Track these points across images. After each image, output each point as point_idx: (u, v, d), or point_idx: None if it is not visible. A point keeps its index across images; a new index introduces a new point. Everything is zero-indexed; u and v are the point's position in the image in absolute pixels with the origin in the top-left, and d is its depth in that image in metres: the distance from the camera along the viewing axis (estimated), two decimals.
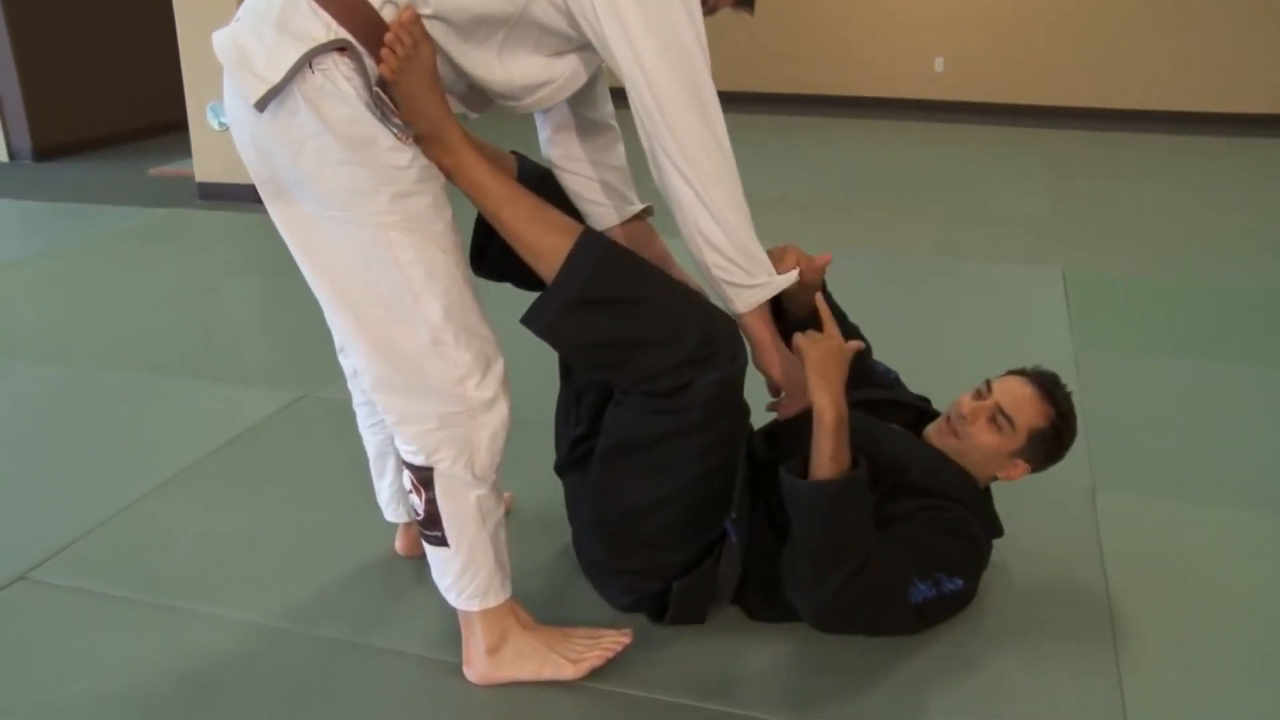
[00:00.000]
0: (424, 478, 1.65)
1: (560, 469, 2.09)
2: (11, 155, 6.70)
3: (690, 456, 1.67)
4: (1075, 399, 1.95)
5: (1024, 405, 1.88)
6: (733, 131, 1.56)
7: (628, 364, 1.63)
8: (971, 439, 1.88)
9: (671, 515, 1.75)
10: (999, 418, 1.87)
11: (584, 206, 1.87)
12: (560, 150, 1.85)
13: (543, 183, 1.85)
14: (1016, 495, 2.02)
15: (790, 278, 1.71)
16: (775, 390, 1.81)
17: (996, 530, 1.95)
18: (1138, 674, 1.83)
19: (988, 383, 1.94)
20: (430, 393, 1.60)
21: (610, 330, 1.63)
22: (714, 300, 1.70)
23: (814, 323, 1.82)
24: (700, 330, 1.60)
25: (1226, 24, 8.32)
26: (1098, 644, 1.91)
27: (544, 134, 1.86)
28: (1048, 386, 1.91)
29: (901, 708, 1.73)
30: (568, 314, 1.62)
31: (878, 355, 2.20)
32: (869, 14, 9.08)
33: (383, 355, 1.60)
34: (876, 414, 2.01)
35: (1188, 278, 4.32)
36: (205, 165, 5.51)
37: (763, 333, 1.71)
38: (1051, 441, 1.91)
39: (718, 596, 1.86)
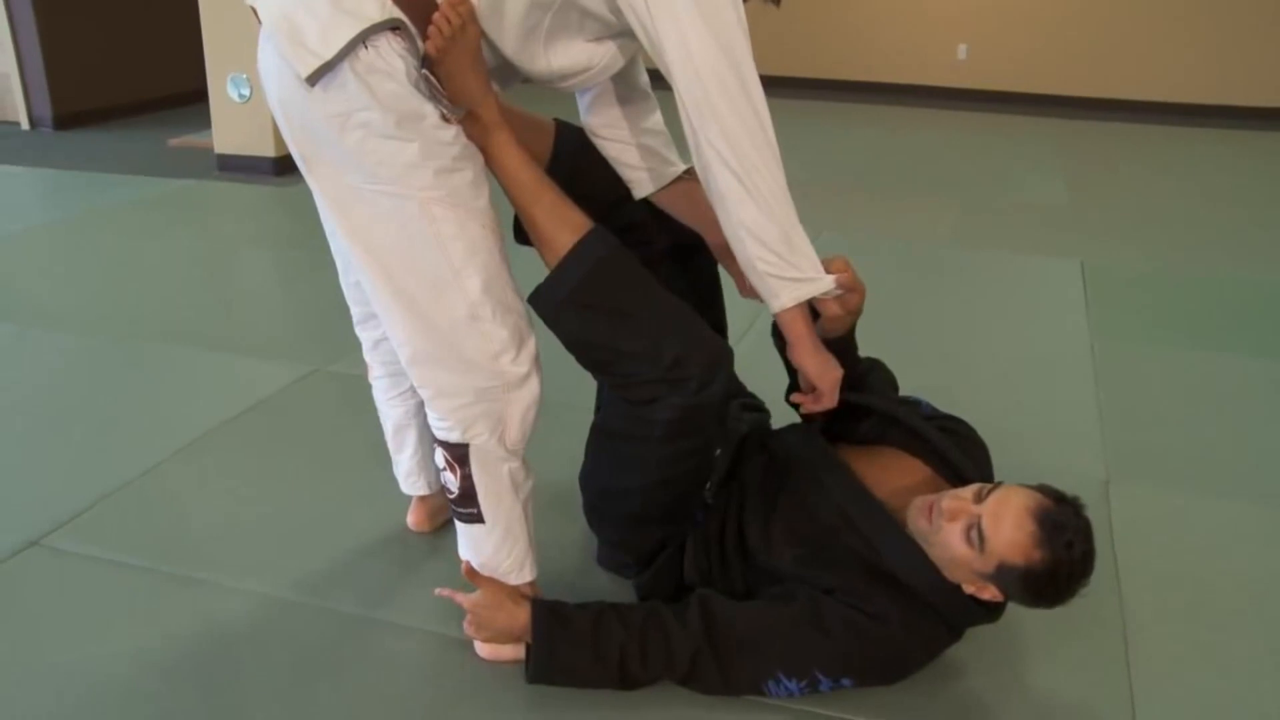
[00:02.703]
0: (459, 454, 1.66)
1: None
2: (32, 124, 6.71)
3: (652, 463, 1.70)
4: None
5: (1005, 532, 1.55)
6: None
7: (609, 366, 1.66)
8: (941, 536, 1.60)
9: (634, 506, 1.80)
10: (973, 531, 1.57)
11: (625, 173, 1.86)
12: (598, 118, 1.84)
13: (583, 149, 1.86)
14: None
15: (832, 280, 1.63)
16: (809, 387, 1.77)
17: (957, 624, 1.71)
18: (1147, 668, 1.83)
19: (994, 486, 1.63)
20: (467, 367, 1.61)
21: (593, 333, 1.65)
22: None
23: (847, 346, 1.82)
24: (677, 353, 1.58)
25: (1251, 17, 8.22)
26: (1108, 638, 1.91)
27: (582, 102, 1.85)
28: (1048, 527, 1.53)
29: (907, 701, 1.72)
30: (559, 310, 1.65)
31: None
32: (893, 1, 9.02)
33: (421, 329, 1.61)
34: (884, 436, 1.87)
35: (1208, 270, 4.29)
36: (224, 137, 5.52)
37: (800, 329, 1.67)
38: (1033, 587, 1.56)
39: (686, 583, 1.87)
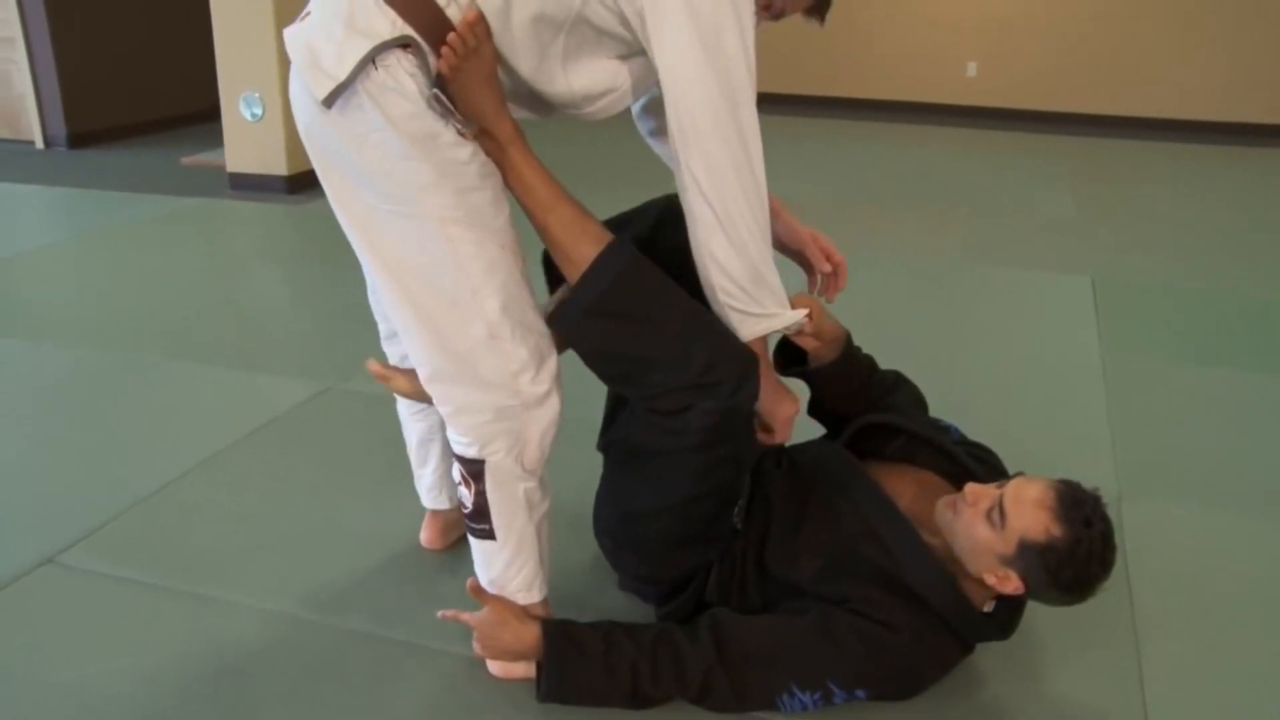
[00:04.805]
0: (475, 470, 1.66)
1: (601, 449, 2.12)
2: (47, 142, 6.76)
3: (687, 475, 1.68)
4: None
5: (1026, 509, 1.57)
6: (763, 133, 1.54)
7: (636, 378, 1.65)
8: (964, 521, 1.63)
9: (664, 526, 1.76)
10: (995, 511, 1.60)
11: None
12: (651, 124, 1.87)
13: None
14: None
15: (798, 315, 1.66)
16: (763, 424, 1.77)
17: (969, 638, 1.72)
18: (1160, 676, 1.83)
19: (1016, 475, 1.68)
20: (486, 386, 1.61)
21: (620, 344, 1.63)
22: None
23: (840, 368, 1.85)
24: (708, 358, 1.57)
25: (1262, 34, 8.23)
26: (1120, 646, 1.90)
27: (635, 107, 1.86)
28: (1067, 503, 1.57)
29: (920, 711, 1.72)
30: (583, 320, 1.63)
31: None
32: (902, 18, 9.04)
33: (439, 347, 1.61)
34: (912, 456, 1.88)
35: (1217, 287, 4.29)
36: (237, 156, 5.55)
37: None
38: (1053, 568, 1.56)
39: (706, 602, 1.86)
